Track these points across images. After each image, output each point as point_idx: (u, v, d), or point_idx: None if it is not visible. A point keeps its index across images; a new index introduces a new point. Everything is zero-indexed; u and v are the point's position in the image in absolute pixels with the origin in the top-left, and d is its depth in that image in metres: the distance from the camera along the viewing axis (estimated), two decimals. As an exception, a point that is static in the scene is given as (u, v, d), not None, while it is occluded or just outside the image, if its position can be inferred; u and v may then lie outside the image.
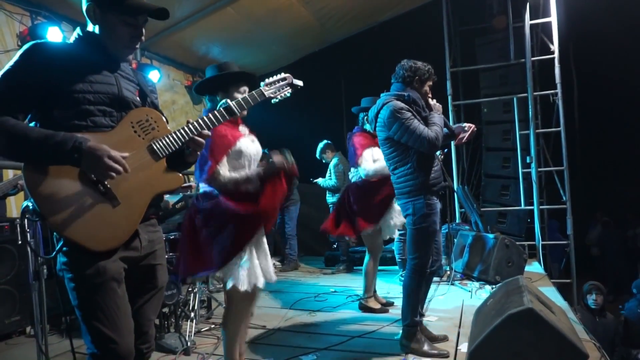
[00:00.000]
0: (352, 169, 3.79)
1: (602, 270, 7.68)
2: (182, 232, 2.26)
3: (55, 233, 1.38)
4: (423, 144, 2.59)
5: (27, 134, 1.29)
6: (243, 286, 2.04)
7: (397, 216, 3.57)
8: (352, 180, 3.77)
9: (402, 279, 4.63)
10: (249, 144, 2.23)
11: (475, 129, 3.03)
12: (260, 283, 2.12)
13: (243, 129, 2.29)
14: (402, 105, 2.65)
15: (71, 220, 1.31)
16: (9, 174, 3.81)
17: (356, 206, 3.57)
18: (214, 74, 2.24)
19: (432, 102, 2.83)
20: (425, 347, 2.68)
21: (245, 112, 2.27)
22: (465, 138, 2.99)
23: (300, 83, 1.90)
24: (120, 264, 1.42)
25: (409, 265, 2.76)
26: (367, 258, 3.72)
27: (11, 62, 1.34)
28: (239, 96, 2.17)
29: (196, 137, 1.54)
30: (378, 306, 3.70)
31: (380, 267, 5.40)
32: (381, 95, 2.85)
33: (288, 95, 1.87)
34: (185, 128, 1.53)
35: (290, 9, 5.55)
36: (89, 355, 1.40)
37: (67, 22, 4.40)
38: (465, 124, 2.98)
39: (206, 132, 1.56)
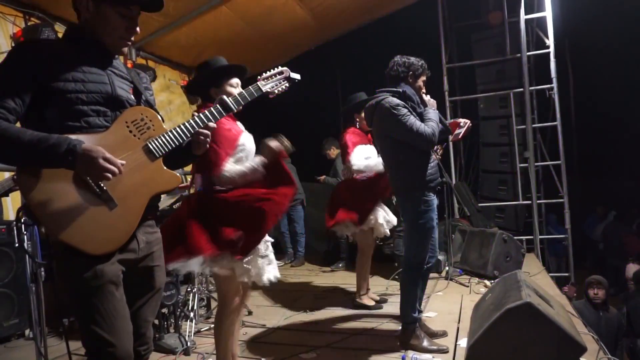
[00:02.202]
0: (343, 166, 3.80)
1: (603, 264, 7.70)
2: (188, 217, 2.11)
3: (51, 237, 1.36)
4: (419, 141, 2.59)
5: (20, 137, 1.26)
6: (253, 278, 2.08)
7: (388, 215, 3.59)
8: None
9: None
10: (249, 139, 2.23)
11: (471, 124, 3.03)
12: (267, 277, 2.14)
13: (240, 124, 2.29)
14: (398, 101, 2.64)
15: (67, 224, 1.29)
16: (4, 175, 3.79)
17: (342, 200, 3.58)
18: (206, 70, 2.24)
19: (427, 97, 2.82)
20: (425, 343, 2.69)
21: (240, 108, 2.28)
22: (461, 134, 2.99)
23: (297, 76, 1.87)
24: (118, 266, 1.41)
25: (405, 262, 2.77)
26: (358, 256, 3.74)
27: (1, 63, 1.32)
28: (232, 89, 2.16)
29: (201, 130, 1.54)
30: (372, 303, 3.70)
31: (379, 264, 5.43)
32: (376, 91, 2.84)
33: (285, 89, 1.85)
34: (182, 126, 1.52)
35: (286, 7, 5.52)
36: (88, 359, 1.40)
37: (61, 23, 4.36)
38: (460, 119, 2.97)
39: (212, 124, 1.57)
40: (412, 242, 2.74)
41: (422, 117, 2.69)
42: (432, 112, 2.73)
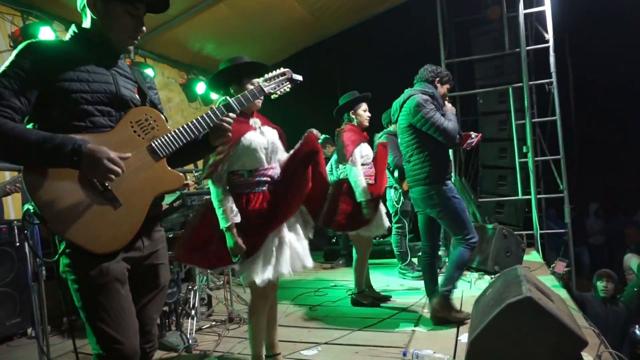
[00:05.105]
0: (341, 166, 3.70)
1: (606, 259, 7.69)
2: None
3: (57, 236, 1.37)
4: (443, 134, 2.89)
5: (26, 136, 1.26)
6: (258, 278, 2.10)
7: (384, 216, 3.59)
8: (341, 177, 3.67)
9: (402, 271, 4.66)
10: (257, 137, 2.21)
11: (481, 136, 3.38)
12: (281, 272, 2.16)
13: (254, 121, 2.29)
14: (428, 97, 2.97)
15: (73, 223, 1.30)
16: (6, 175, 3.80)
17: (344, 205, 3.48)
18: (226, 66, 2.23)
19: (448, 105, 3.12)
20: (453, 314, 3.00)
21: (259, 103, 2.27)
22: (473, 143, 3.32)
23: (299, 78, 1.88)
24: (124, 264, 1.42)
25: (462, 245, 2.97)
26: (354, 254, 3.71)
27: (7, 63, 1.32)
28: (251, 88, 2.19)
29: (221, 121, 1.58)
30: (368, 300, 3.69)
31: (379, 261, 5.44)
32: (405, 90, 3.15)
33: (288, 90, 1.85)
34: (185, 126, 1.52)
35: (283, 4, 5.52)
36: (95, 356, 1.40)
37: (59, 22, 4.35)
38: (472, 133, 3.30)
39: (232, 114, 1.61)
40: (456, 225, 2.97)
41: (443, 116, 2.98)
42: (452, 115, 3.04)
